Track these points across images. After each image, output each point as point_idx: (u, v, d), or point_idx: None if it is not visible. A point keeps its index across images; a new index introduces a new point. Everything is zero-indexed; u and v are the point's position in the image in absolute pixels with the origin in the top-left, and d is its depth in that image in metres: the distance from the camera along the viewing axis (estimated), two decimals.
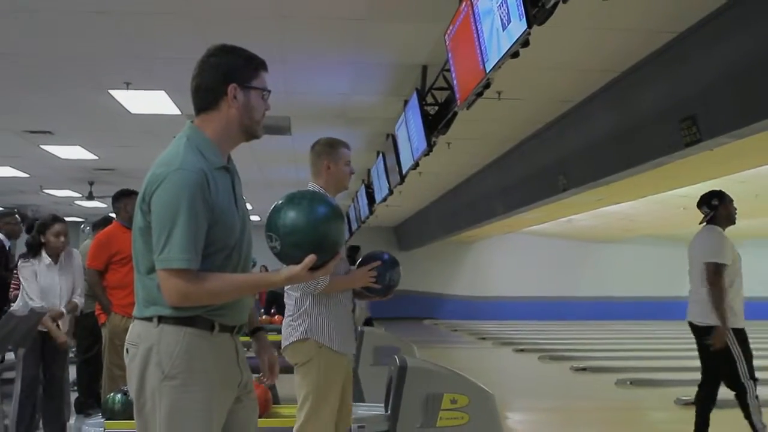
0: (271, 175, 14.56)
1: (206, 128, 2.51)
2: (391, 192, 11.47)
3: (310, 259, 2.35)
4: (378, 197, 13.01)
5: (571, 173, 9.27)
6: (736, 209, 6.12)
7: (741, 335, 5.78)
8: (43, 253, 5.88)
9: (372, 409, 4.07)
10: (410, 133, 8.31)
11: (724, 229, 5.94)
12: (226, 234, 2.43)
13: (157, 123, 10.07)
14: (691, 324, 5.98)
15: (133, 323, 2.48)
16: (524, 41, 4.24)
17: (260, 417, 4.08)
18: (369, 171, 13.77)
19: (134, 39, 6.82)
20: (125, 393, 4.09)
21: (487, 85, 5.21)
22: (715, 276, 5.68)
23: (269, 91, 2.57)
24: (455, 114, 6.90)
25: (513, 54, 4.46)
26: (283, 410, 4.62)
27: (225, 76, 2.48)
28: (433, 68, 7.38)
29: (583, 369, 11.18)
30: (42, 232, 5.91)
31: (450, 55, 5.89)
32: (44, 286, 5.84)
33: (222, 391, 2.45)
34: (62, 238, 5.89)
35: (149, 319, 2.41)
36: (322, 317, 3.73)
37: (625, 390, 9.49)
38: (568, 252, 23.41)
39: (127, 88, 8.26)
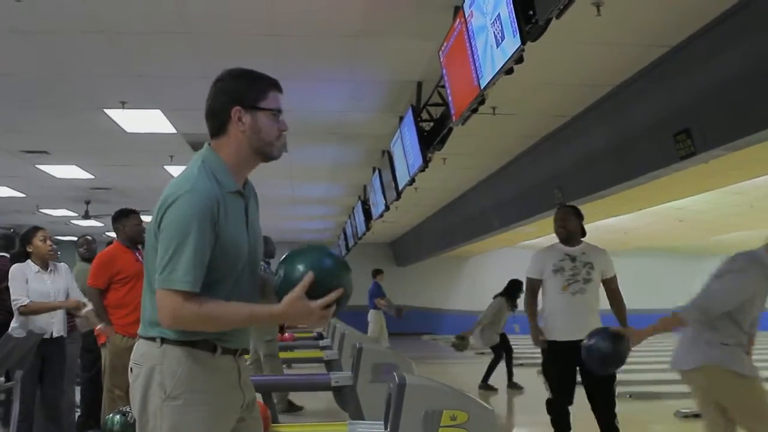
0: (266, 191, 14.52)
1: (220, 151, 2.51)
2: (387, 208, 11.49)
3: (310, 277, 2.35)
4: (375, 213, 13.03)
5: (567, 187, 9.29)
6: None
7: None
8: (29, 262, 5.96)
9: (371, 427, 4.06)
10: (406, 149, 8.34)
11: None
12: (233, 260, 2.43)
13: (153, 142, 10.09)
14: None
15: (138, 342, 2.49)
16: (518, 58, 4.26)
17: None
18: (365, 187, 13.79)
19: (130, 59, 6.84)
20: (124, 414, 4.10)
21: (482, 101, 5.23)
22: None
23: (279, 111, 2.55)
24: (450, 130, 6.93)
25: (507, 71, 4.49)
26: (282, 429, 4.60)
27: (229, 100, 2.50)
28: (428, 84, 7.41)
29: (582, 383, 11.13)
30: (27, 241, 5.98)
31: (444, 71, 5.92)
32: (36, 289, 5.89)
33: (224, 412, 2.45)
34: (49, 242, 5.99)
35: (153, 339, 2.41)
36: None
37: (624, 403, 9.44)
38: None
39: (123, 108, 8.28)
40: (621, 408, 9.22)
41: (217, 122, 2.52)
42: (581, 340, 5.17)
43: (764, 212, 14.01)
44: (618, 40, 6.18)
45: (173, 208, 2.35)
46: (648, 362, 14.01)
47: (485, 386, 10.81)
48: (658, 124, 6.78)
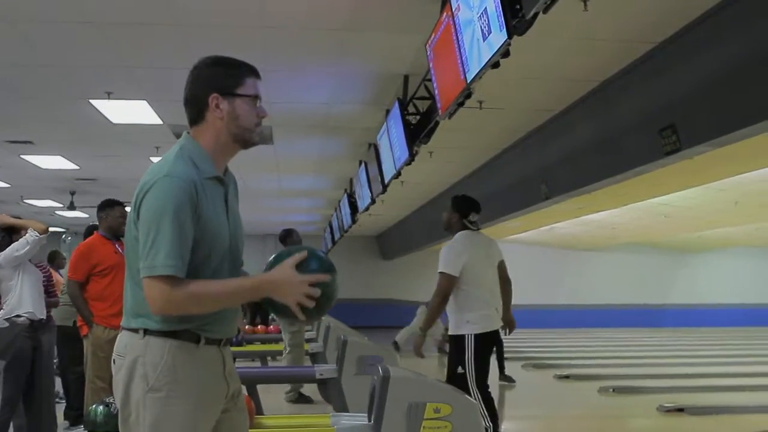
0: (252, 184, 14.54)
1: (199, 139, 2.50)
2: (373, 201, 11.49)
3: (297, 258, 2.38)
4: (361, 206, 13.03)
5: (553, 182, 9.31)
6: None
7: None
8: None
9: (355, 419, 4.07)
10: (392, 143, 8.34)
11: None
12: (213, 245, 2.42)
13: (138, 133, 10.05)
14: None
15: (120, 333, 2.47)
16: (505, 52, 4.26)
17: None
18: (351, 180, 13.79)
19: (116, 49, 6.81)
20: (107, 405, 4.08)
21: (468, 95, 5.23)
22: None
23: (256, 96, 2.52)
24: (437, 123, 6.93)
25: (494, 64, 4.49)
26: (266, 421, 4.60)
27: (206, 87, 2.48)
28: (415, 78, 7.41)
29: (567, 377, 11.20)
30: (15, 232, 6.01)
31: (431, 65, 5.91)
32: None
33: (208, 404, 2.44)
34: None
35: (135, 330, 2.40)
36: None
37: (608, 397, 9.52)
38: (550, 260, 23.48)
39: (109, 98, 8.24)
40: (604, 402, 9.32)
41: (195, 110, 2.50)
42: None
43: (749, 208, 14.09)
44: (605, 35, 6.20)
45: (150, 193, 2.34)
46: (630, 356, 14.12)
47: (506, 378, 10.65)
48: (643, 119, 6.80)
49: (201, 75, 2.52)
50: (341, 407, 5.92)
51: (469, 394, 5.49)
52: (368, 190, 11.38)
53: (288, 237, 8.99)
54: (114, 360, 2.44)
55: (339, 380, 6.11)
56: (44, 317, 6.00)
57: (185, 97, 2.53)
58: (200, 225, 2.37)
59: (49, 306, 6.60)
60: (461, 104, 5.54)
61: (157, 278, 2.29)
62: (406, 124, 7.62)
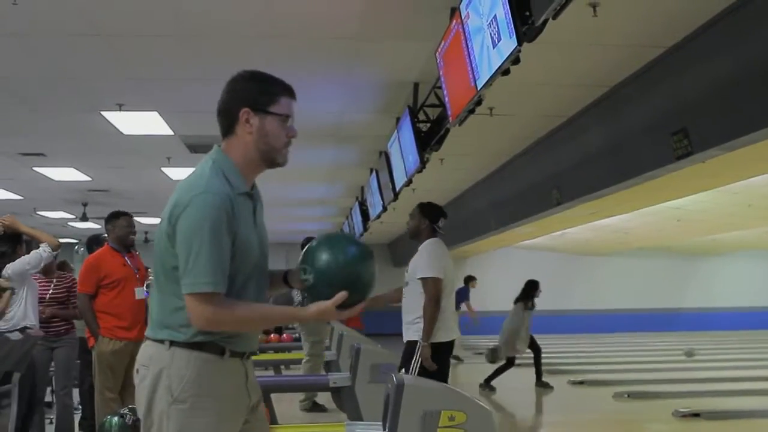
0: (263, 193, 14.44)
1: (229, 152, 2.51)
2: (385, 209, 11.48)
3: (342, 296, 2.40)
4: (372, 214, 13.03)
5: (564, 187, 9.29)
6: None
7: None
8: None
9: (369, 428, 4.06)
10: (403, 150, 8.34)
11: None
12: (244, 260, 2.44)
13: (150, 144, 10.10)
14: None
15: (144, 344, 2.48)
16: (515, 58, 4.27)
17: None
18: (362, 188, 13.80)
19: (127, 61, 6.84)
20: (122, 416, 4.10)
21: (479, 102, 5.23)
22: None
23: (288, 116, 2.52)
24: (447, 131, 6.93)
25: (504, 71, 4.49)
26: (281, 430, 4.60)
27: (239, 101, 2.49)
28: (425, 86, 7.42)
29: (581, 382, 11.16)
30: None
31: (441, 72, 5.92)
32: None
33: (231, 415, 2.46)
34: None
35: (161, 341, 2.41)
36: None
37: (622, 403, 9.48)
38: (562, 266, 23.40)
39: (120, 110, 8.28)
40: (619, 408, 9.28)
41: (226, 122, 2.52)
42: None
43: (761, 211, 14.01)
44: (614, 40, 6.19)
45: (188, 211, 2.35)
46: (645, 362, 14.05)
47: (487, 386, 10.70)
48: (654, 124, 6.78)
49: (236, 88, 2.53)
50: (355, 415, 5.91)
51: None
52: (379, 198, 11.38)
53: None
54: (137, 370, 2.46)
55: (353, 388, 6.10)
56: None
57: (218, 108, 2.55)
58: (234, 240, 2.39)
59: (70, 318, 6.64)
60: (471, 111, 5.54)
61: (200, 295, 2.32)
62: (417, 132, 7.62)
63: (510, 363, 10.82)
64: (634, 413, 9.05)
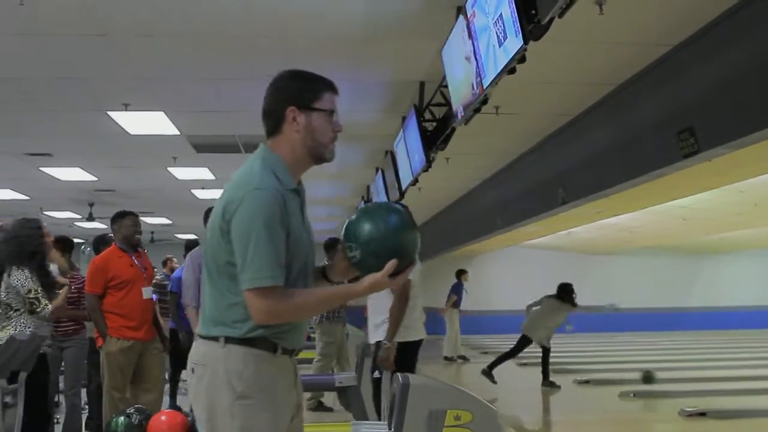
0: None
1: (277, 151, 2.54)
2: None
3: (392, 264, 2.41)
4: None
5: (570, 186, 9.28)
6: None
7: None
8: None
9: (375, 427, 4.06)
10: (409, 150, 8.33)
11: None
12: (295, 255, 2.46)
13: (156, 144, 10.11)
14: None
15: (197, 342, 2.50)
16: (521, 57, 4.26)
17: None
18: (368, 187, 13.80)
19: (132, 60, 6.85)
20: (128, 416, 4.10)
21: (485, 101, 5.23)
22: None
23: (333, 111, 2.57)
24: (453, 130, 6.92)
25: (510, 70, 4.49)
26: None
27: (284, 100, 2.53)
28: (431, 84, 7.41)
29: (587, 382, 11.15)
30: None
31: (447, 71, 5.91)
32: None
33: (286, 412, 2.50)
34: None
35: (215, 338, 2.43)
36: None
37: (628, 402, 9.46)
38: (569, 265, 23.30)
39: (126, 110, 8.29)
40: (625, 407, 9.27)
41: (272, 122, 2.55)
42: None
43: None
44: (621, 38, 6.18)
45: (243, 208, 2.37)
46: (650, 361, 14.02)
47: (488, 373, 10.57)
48: (661, 122, 6.77)
49: (280, 88, 2.57)
50: (361, 415, 5.91)
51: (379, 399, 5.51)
52: (385, 197, 11.38)
53: (333, 246, 9.04)
54: (192, 369, 2.47)
55: (358, 388, 6.10)
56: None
57: (263, 109, 2.58)
58: (287, 236, 2.42)
59: (80, 318, 6.65)
60: (477, 110, 5.54)
61: (260, 290, 2.34)
62: (423, 131, 7.61)
63: (512, 354, 10.78)
64: (640, 413, 9.05)
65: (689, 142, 6.33)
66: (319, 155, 2.57)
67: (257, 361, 2.41)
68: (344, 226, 2.53)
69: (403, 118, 8.34)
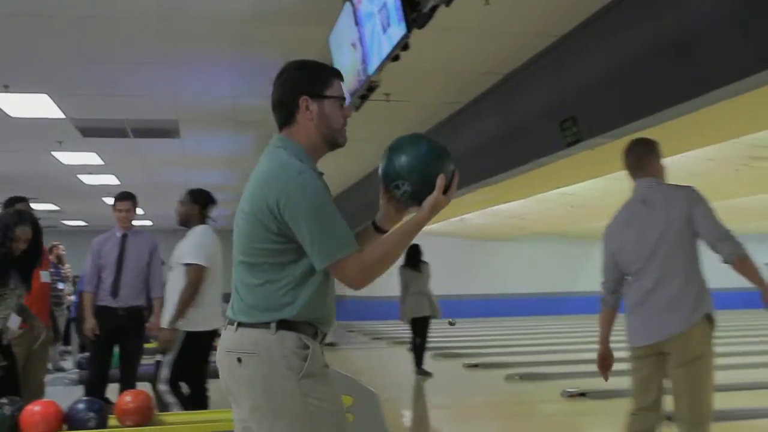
0: (159, 178, 14.33)
1: (293, 140, 2.60)
2: None
3: (442, 179, 2.50)
4: None
5: (461, 173, 9.38)
6: None
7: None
8: None
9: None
10: None
11: None
12: None
13: (39, 127, 9.79)
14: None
15: (240, 331, 2.48)
16: (404, 45, 4.30)
17: (143, 425, 4.03)
18: None
19: (12, 40, 6.61)
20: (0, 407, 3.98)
21: (371, 88, 5.26)
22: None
23: (344, 99, 2.64)
24: None
25: (394, 57, 4.53)
26: (167, 417, 4.55)
27: (296, 90, 2.57)
28: None
29: (475, 365, 11.35)
30: None
31: (334, 57, 5.92)
32: None
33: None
34: None
35: (266, 325, 2.44)
36: None
37: (514, 384, 9.69)
38: (461, 251, 23.72)
39: (6, 91, 8.00)
40: (511, 389, 9.50)
41: (286, 112, 2.60)
42: None
43: None
44: (507, 28, 6.30)
45: (294, 194, 2.42)
46: (536, 344, 14.42)
47: (421, 371, 10.54)
48: (545, 111, 6.94)
49: (290, 79, 2.61)
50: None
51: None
52: None
53: None
54: (239, 359, 2.45)
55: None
56: None
57: (274, 101, 2.63)
58: None
59: None
60: (365, 97, 5.56)
61: (345, 260, 2.42)
62: None
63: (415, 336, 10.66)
64: (525, 394, 9.27)
65: (572, 131, 6.51)
66: (333, 141, 2.62)
67: (308, 344, 2.46)
68: (381, 171, 2.60)
69: None
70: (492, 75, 7.58)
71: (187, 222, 5.85)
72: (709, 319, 3.89)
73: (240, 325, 2.48)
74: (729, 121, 7.17)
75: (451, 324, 13.98)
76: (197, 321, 5.54)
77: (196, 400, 5.61)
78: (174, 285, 5.59)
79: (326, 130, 2.59)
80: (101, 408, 4.17)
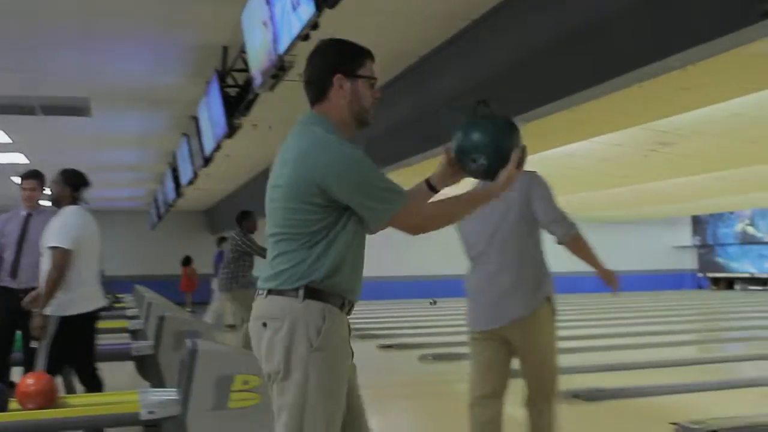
0: (69, 158, 13.96)
1: (325, 115, 2.67)
2: (196, 175, 11.29)
3: (517, 154, 2.64)
4: (184, 180, 12.79)
5: (375, 156, 9.40)
6: None
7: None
8: None
9: (164, 394, 4.03)
10: (211, 116, 8.22)
11: None
12: None
13: None
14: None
15: (270, 297, 2.57)
16: (314, 24, 4.29)
17: (45, 408, 3.96)
18: (174, 154, 13.50)
19: None
20: None
21: (282, 67, 5.22)
22: None
23: (375, 79, 2.72)
24: (256, 96, 6.88)
25: (304, 37, 4.51)
26: (72, 399, 4.48)
27: (330, 69, 2.66)
28: (234, 50, 7.32)
29: (389, 346, 11.45)
30: None
31: (246, 36, 5.86)
32: None
33: (346, 365, 2.62)
34: None
35: (295, 292, 2.53)
36: None
37: (427, 365, 9.81)
38: (379, 233, 23.86)
39: None
40: (425, 369, 9.60)
41: (318, 89, 2.68)
42: None
43: (559, 181, 14.73)
44: (422, 10, 6.32)
45: (337, 165, 2.53)
46: (449, 325, 14.59)
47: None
48: (458, 94, 6.99)
49: (324, 56, 2.70)
50: (158, 384, 5.82)
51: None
52: (190, 165, 11.18)
53: (245, 218, 9.59)
54: (265, 323, 2.56)
55: (155, 356, 6.01)
56: None
57: (307, 78, 2.72)
58: None
59: None
60: (277, 77, 5.52)
61: (402, 210, 2.56)
62: (225, 97, 7.52)
63: None
64: (438, 374, 9.39)
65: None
66: (363, 120, 2.72)
67: (331, 316, 2.54)
68: (457, 145, 2.74)
69: (207, 83, 8.20)
70: (407, 57, 7.61)
71: (58, 203, 5.66)
72: (549, 302, 3.97)
73: (269, 292, 2.58)
74: (637, 107, 7.33)
75: (432, 303, 14.16)
76: (69, 304, 5.32)
77: (87, 384, 5.49)
78: (45, 269, 5.43)
79: (357, 108, 2.69)
80: (2, 391, 4.08)
